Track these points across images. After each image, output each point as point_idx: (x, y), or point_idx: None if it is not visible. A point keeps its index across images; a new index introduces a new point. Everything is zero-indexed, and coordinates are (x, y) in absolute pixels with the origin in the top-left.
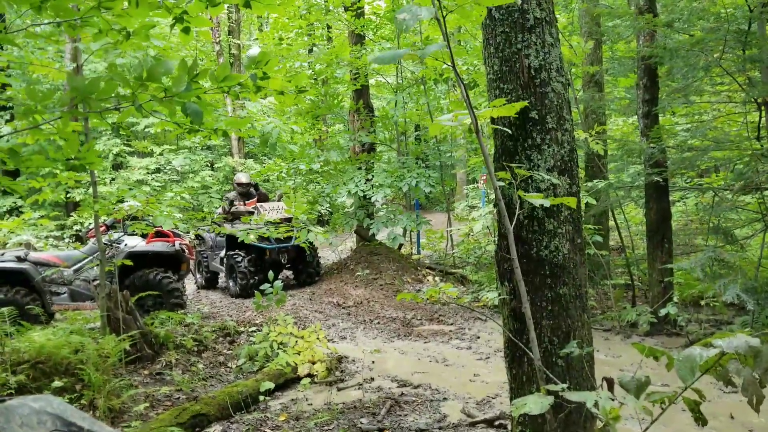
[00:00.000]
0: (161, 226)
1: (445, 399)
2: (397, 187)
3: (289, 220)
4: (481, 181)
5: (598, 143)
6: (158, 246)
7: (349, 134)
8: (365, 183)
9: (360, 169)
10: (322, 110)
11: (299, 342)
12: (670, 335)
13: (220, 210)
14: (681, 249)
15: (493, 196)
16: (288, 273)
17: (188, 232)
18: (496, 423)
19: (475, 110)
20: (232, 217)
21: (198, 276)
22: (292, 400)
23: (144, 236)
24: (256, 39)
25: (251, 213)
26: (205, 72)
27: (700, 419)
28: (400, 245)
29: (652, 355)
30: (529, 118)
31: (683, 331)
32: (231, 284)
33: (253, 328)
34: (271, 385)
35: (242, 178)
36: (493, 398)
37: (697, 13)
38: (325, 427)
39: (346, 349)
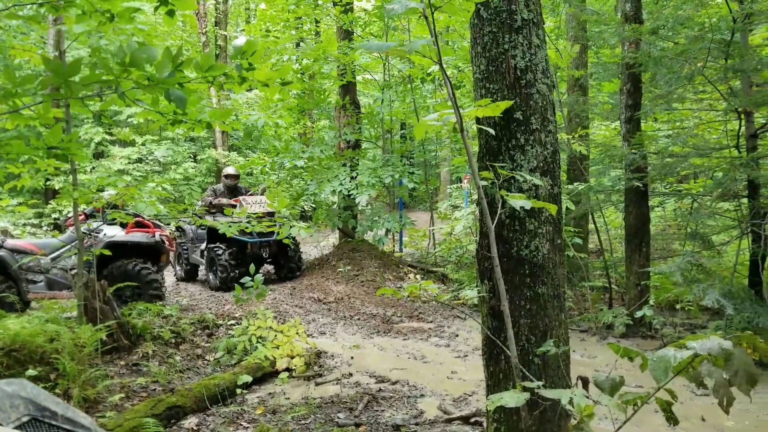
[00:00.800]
0: (141, 216)
1: (422, 395)
2: (380, 183)
3: (271, 214)
4: (465, 181)
5: (581, 146)
6: (138, 236)
7: (334, 130)
8: (350, 181)
9: (345, 165)
10: (308, 105)
11: (278, 336)
12: (645, 338)
13: (201, 202)
14: (658, 253)
15: (475, 196)
16: (269, 267)
17: (169, 224)
18: (472, 420)
19: (460, 110)
20: (215, 209)
21: (178, 268)
22: (270, 393)
23: (123, 226)
24: (243, 30)
25: (234, 206)
26: (190, 61)
27: (672, 419)
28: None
29: (627, 355)
30: (514, 119)
31: (658, 333)
32: (211, 277)
33: (232, 322)
34: (248, 379)
35: (230, 170)
36: (469, 395)
37: (682, 21)
38: (302, 422)
39: (325, 344)
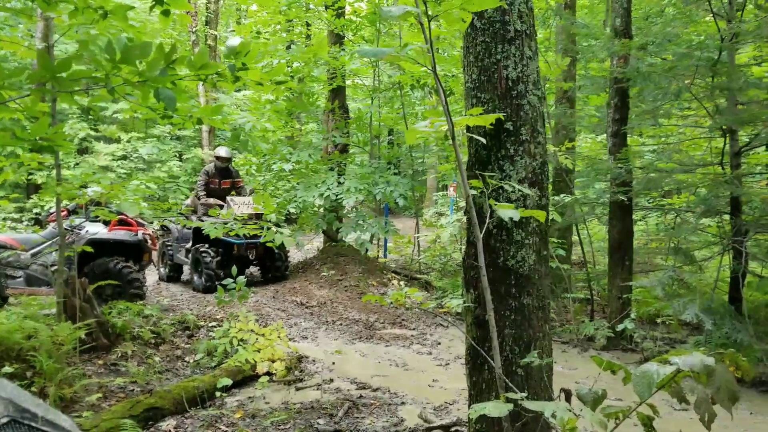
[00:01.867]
0: (125, 214)
1: (403, 403)
2: (368, 192)
3: (259, 216)
4: (452, 189)
5: (567, 158)
6: (120, 234)
7: (322, 134)
8: (337, 186)
9: (332, 169)
10: (298, 107)
11: (260, 339)
12: (625, 350)
13: (189, 200)
14: (640, 267)
15: (461, 204)
16: (254, 269)
17: (152, 222)
18: (453, 429)
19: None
20: (201, 208)
21: (161, 268)
22: (249, 397)
23: (106, 223)
24: (233, 31)
25: (221, 206)
26: (183, 59)
27: None
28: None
29: (610, 368)
30: (504, 129)
31: (638, 347)
32: (196, 278)
33: (214, 324)
34: (228, 382)
35: (222, 152)
36: (450, 404)
37: (671, 38)
38: (281, 427)
39: (307, 348)
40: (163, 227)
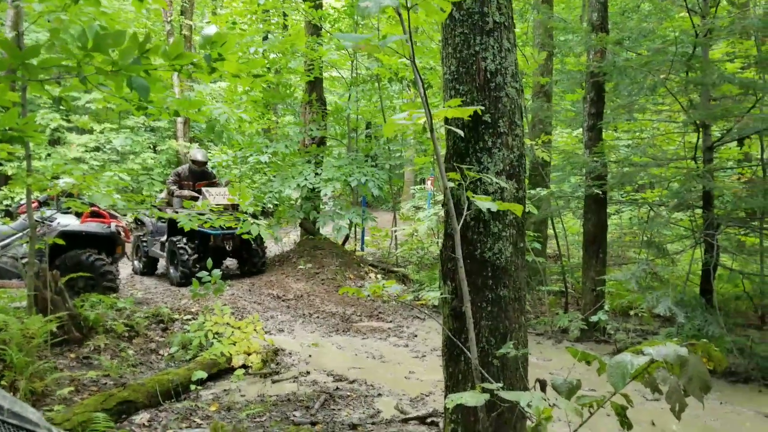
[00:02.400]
0: (97, 206)
1: (379, 395)
2: (345, 182)
3: (235, 207)
4: (429, 182)
5: (544, 152)
6: (93, 226)
7: (299, 126)
8: (314, 176)
9: (309, 162)
10: (275, 98)
11: (235, 333)
12: (598, 342)
13: (163, 194)
14: (613, 260)
15: (439, 198)
16: (230, 262)
17: (125, 215)
18: (429, 420)
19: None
20: (176, 201)
21: (136, 261)
22: (225, 390)
23: (78, 215)
24: (209, 21)
25: (195, 198)
26: (157, 48)
27: (626, 423)
28: (345, 239)
29: (585, 359)
30: (482, 121)
31: (611, 339)
32: (172, 271)
33: (188, 317)
34: (203, 375)
35: (198, 155)
36: (426, 396)
37: (646, 33)
38: (257, 419)
39: (283, 341)
40: (138, 221)
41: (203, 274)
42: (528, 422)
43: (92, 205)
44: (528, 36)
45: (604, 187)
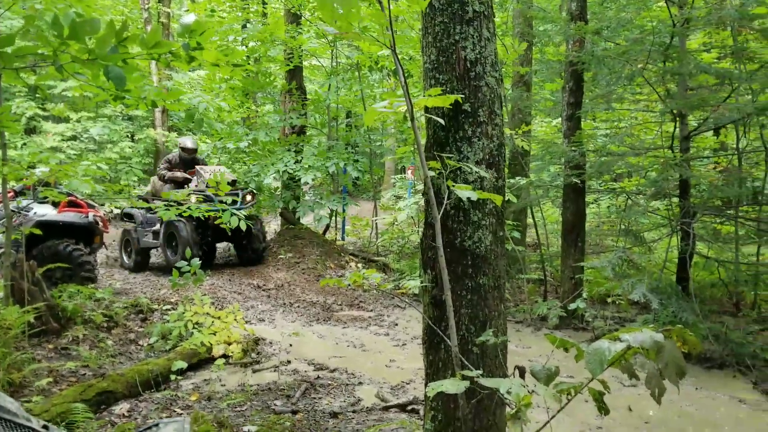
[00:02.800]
0: (74, 195)
1: (360, 383)
2: (324, 168)
3: (233, 183)
4: (410, 172)
5: (523, 141)
6: (70, 216)
7: (279, 115)
8: (294, 164)
9: (289, 150)
10: (254, 86)
11: (216, 322)
12: (577, 329)
13: (149, 186)
14: (592, 249)
15: (419, 187)
16: (223, 248)
17: (103, 204)
18: (409, 408)
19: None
20: (169, 182)
21: (125, 258)
22: (205, 380)
23: (56, 205)
24: (187, 10)
25: (188, 180)
26: (135, 36)
27: (603, 409)
28: (326, 228)
29: (563, 346)
30: (462, 110)
31: (589, 326)
32: (170, 255)
33: (168, 307)
34: (183, 365)
35: (188, 142)
36: (407, 384)
37: (624, 23)
38: (238, 408)
39: (264, 331)
40: (126, 215)
41: (182, 263)
42: (507, 409)
43: (69, 194)
44: (508, 26)
45: (582, 177)
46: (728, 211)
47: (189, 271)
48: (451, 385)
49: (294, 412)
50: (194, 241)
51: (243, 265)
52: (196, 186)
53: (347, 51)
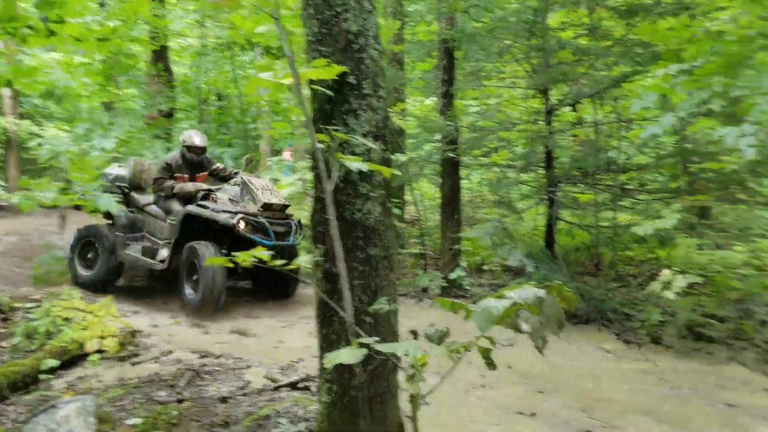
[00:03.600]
0: None
1: (248, 366)
2: None
3: (285, 208)
4: (288, 153)
5: (400, 119)
6: None
7: (144, 100)
8: (167, 153)
9: (158, 137)
10: (116, 70)
11: (87, 317)
12: (457, 297)
13: (116, 170)
14: (468, 221)
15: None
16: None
17: None
18: (301, 385)
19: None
20: (177, 198)
21: (80, 269)
22: (80, 377)
23: None
24: None
25: (205, 193)
26: None
27: (491, 365)
28: None
29: (453, 309)
30: (347, 83)
31: (469, 294)
32: (188, 291)
33: (32, 305)
34: (54, 363)
35: (196, 139)
36: (297, 362)
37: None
38: (119, 403)
39: (140, 323)
40: (109, 215)
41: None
42: (401, 373)
43: None
44: (380, 5)
45: (457, 151)
46: (587, 180)
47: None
48: (349, 355)
49: (180, 401)
50: (221, 277)
51: (264, 300)
52: (243, 205)
53: (216, 29)
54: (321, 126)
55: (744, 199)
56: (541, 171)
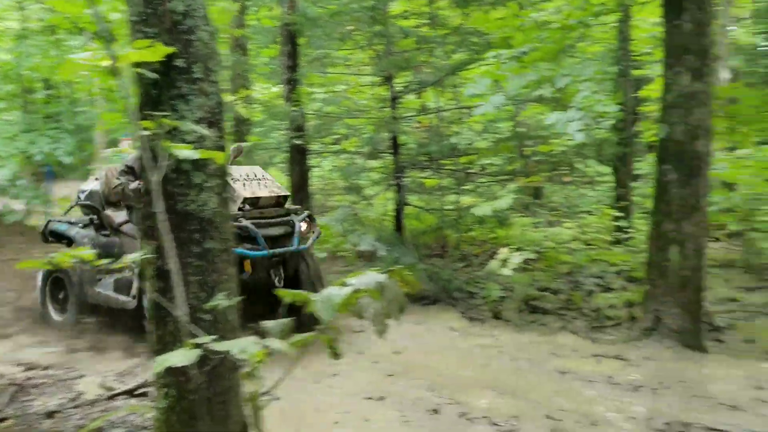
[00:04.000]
0: None
1: (81, 376)
2: (26, 154)
3: (283, 201)
4: (125, 144)
5: (244, 107)
6: None
7: None
8: None
9: None
10: None
11: None
12: None
13: (92, 185)
14: (319, 209)
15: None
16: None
17: None
18: (138, 392)
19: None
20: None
21: (52, 309)
22: None
23: None
24: None
25: None
26: None
27: (336, 354)
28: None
29: (294, 300)
30: (175, 66)
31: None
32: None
33: None
34: None
35: None
36: (136, 368)
37: None
38: None
39: None
40: (55, 234)
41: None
42: (242, 370)
43: None
44: None
45: (304, 138)
46: (432, 165)
47: None
48: (181, 356)
49: (2, 420)
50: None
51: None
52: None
53: (40, 12)
54: (148, 113)
55: (571, 180)
56: (389, 157)
